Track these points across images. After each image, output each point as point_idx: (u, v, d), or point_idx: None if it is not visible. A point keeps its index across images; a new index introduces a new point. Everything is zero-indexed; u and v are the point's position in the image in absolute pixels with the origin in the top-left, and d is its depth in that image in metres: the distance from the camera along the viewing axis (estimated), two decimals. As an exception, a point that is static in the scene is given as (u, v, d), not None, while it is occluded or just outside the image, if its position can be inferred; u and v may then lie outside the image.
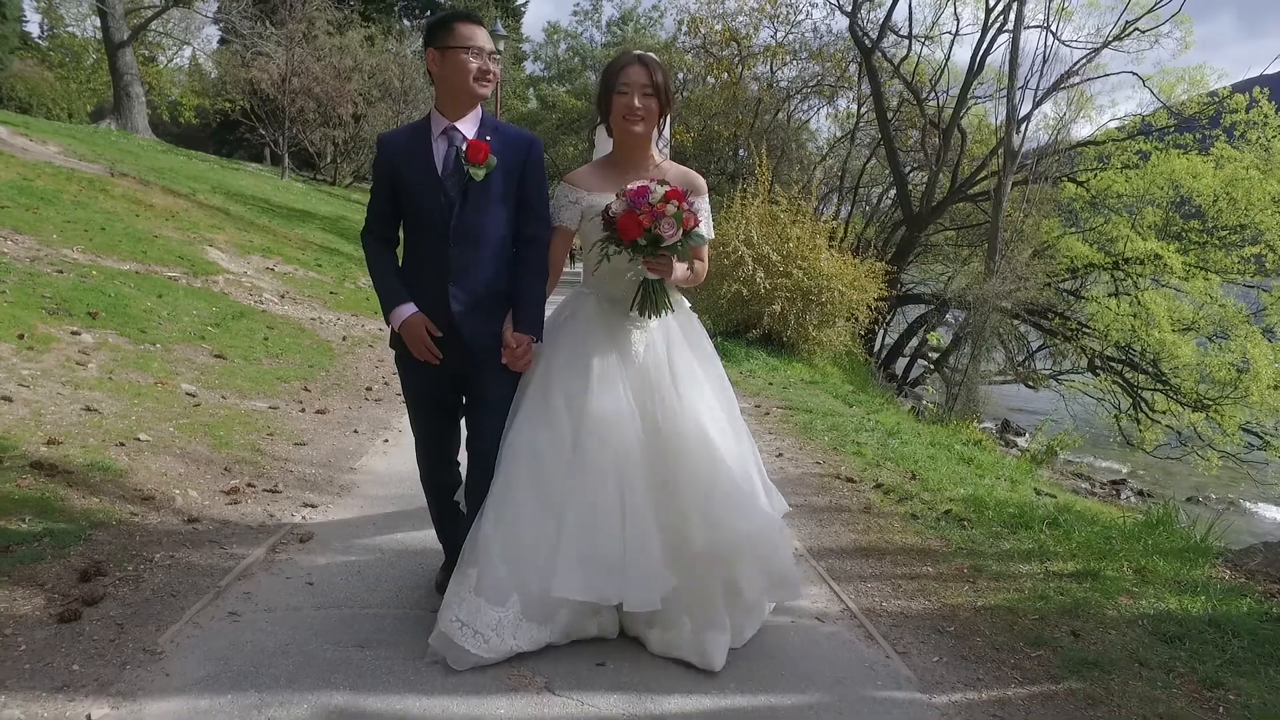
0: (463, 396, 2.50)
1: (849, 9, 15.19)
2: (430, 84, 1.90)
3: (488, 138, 2.32)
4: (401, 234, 2.46)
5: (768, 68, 18.23)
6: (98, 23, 25.10)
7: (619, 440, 2.30)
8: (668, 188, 2.30)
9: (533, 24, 58.38)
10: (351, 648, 2.33)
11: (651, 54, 2.49)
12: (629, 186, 2.30)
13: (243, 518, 3.23)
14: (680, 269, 2.44)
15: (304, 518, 3.32)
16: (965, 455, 5.46)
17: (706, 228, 2.44)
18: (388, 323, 2.40)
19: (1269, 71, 14.54)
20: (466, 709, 2.08)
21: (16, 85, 25.69)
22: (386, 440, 4.53)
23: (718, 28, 18.09)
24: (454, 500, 2.59)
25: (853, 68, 17.42)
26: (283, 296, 7.88)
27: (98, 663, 2.13)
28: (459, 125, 2.32)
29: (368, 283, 10.19)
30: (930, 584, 3.07)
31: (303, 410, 4.85)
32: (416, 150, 2.33)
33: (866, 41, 15.18)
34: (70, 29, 33.57)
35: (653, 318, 2.41)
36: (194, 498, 3.32)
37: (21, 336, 4.62)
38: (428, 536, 2.88)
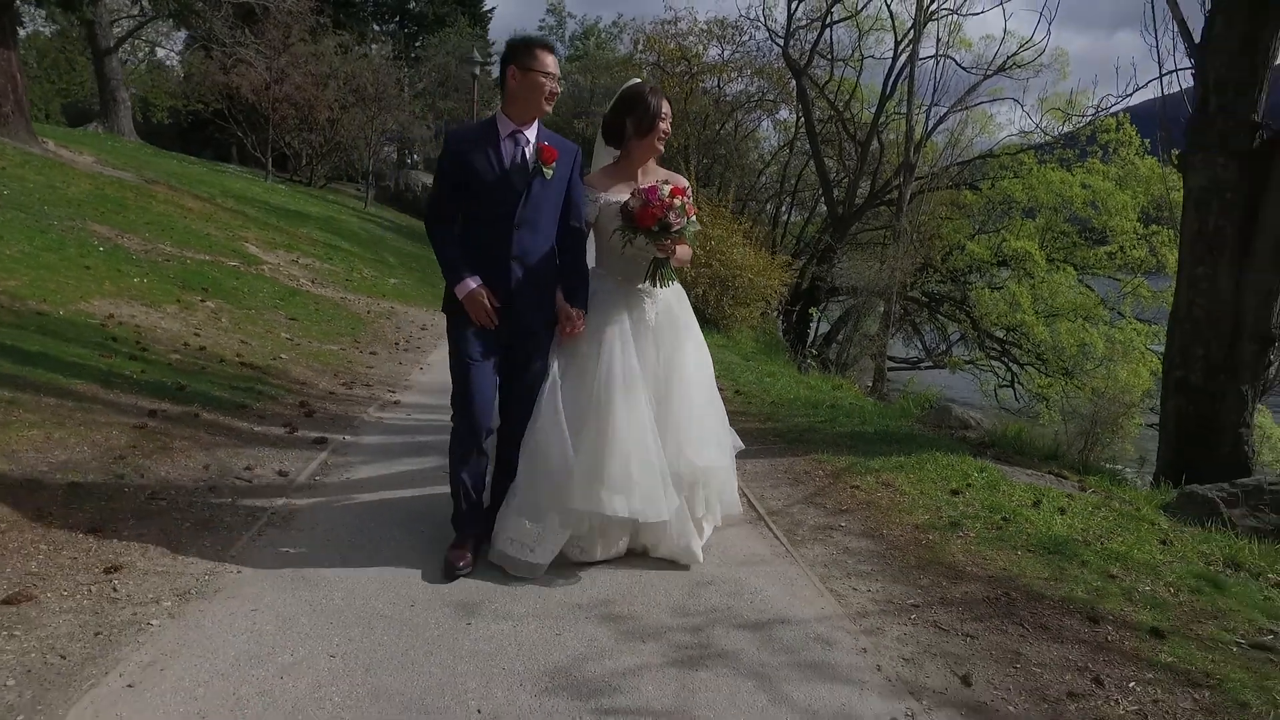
0: (506, 361, 3.16)
1: (782, 36, 18.26)
2: (502, 91, 3.07)
3: (545, 143, 3.04)
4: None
5: (716, 83, 21.24)
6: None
7: (635, 385, 3.11)
8: (673, 184, 3.10)
9: (500, 29, 61.37)
10: (429, 436, 5.20)
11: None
12: (641, 186, 3.10)
13: (357, 394, 6.06)
14: (681, 250, 3.26)
15: (389, 394, 6.16)
16: (811, 384, 8.46)
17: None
18: (452, 292, 3.07)
19: (1134, 103, 17.90)
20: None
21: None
22: (421, 369, 7.36)
23: (671, 46, 21.01)
24: (483, 473, 3.23)
25: (793, 83, 20.52)
26: (314, 281, 10.63)
27: (319, 437, 4.96)
28: (525, 131, 3.03)
29: (373, 273, 12.97)
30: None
31: (360, 352, 7.65)
32: (486, 147, 3.00)
33: (798, 65, 18.26)
34: (41, 29, 35.38)
35: (661, 287, 3.27)
36: (327, 384, 6.14)
37: (178, 302, 7.37)
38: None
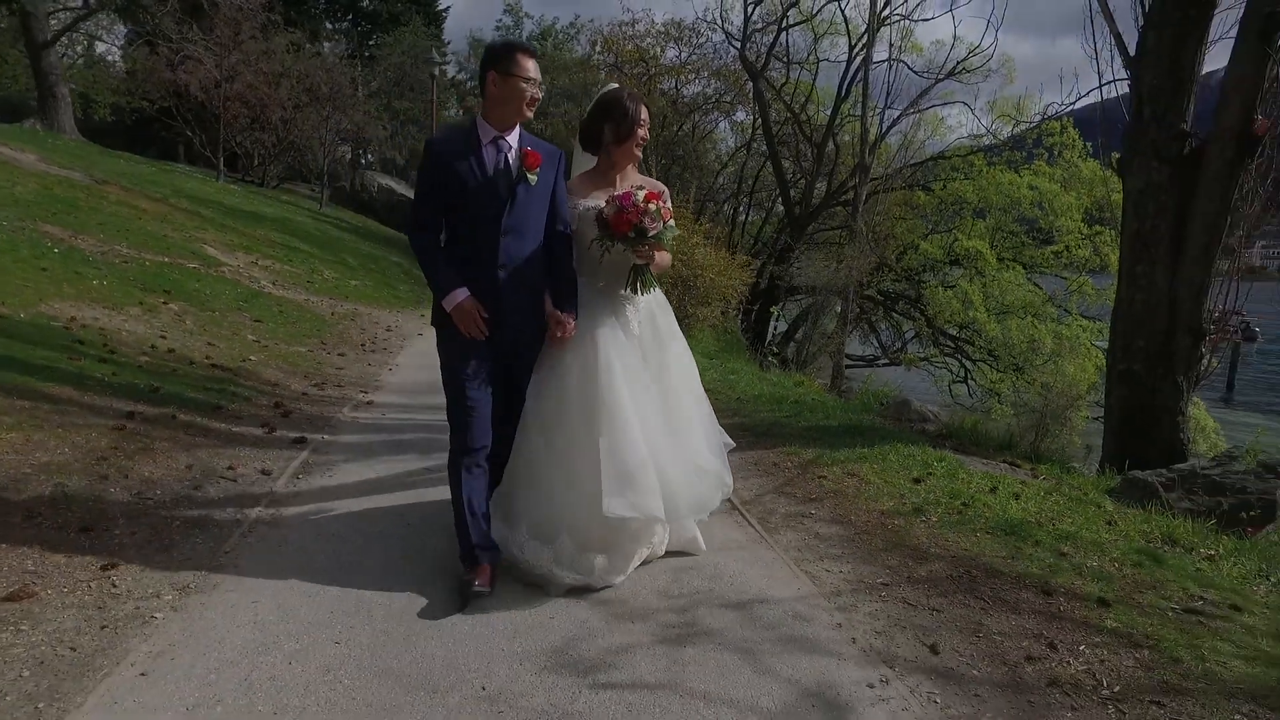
0: (502, 370, 3.10)
1: (739, 40, 18.55)
2: (478, 96, 3.09)
3: (528, 148, 3.00)
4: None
5: (674, 84, 21.46)
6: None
7: (640, 382, 3.15)
8: (647, 191, 3.08)
9: (455, 29, 61.00)
10: (407, 435, 5.28)
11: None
12: (616, 193, 3.10)
13: (330, 394, 6.10)
14: (660, 257, 3.25)
15: (361, 394, 6.21)
16: (774, 381, 8.70)
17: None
18: (440, 305, 2.98)
19: (1076, 108, 18.58)
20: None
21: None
22: (390, 369, 7.42)
23: (629, 47, 21.18)
24: (484, 487, 3.11)
25: (750, 85, 20.85)
26: (275, 283, 10.56)
27: (298, 437, 5.02)
28: (506, 137, 2.99)
29: (334, 275, 12.90)
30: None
31: (328, 353, 7.67)
32: (469, 155, 2.94)
33: (755, 68, 18.56)
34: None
35: (643, 293, 3.25)
36: (299, 385, 6.18)
37: (140, 304, 7.30)
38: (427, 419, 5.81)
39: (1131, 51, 6.30)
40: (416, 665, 2.50)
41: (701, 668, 2.56)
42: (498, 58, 2.95)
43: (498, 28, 33.39)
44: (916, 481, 4.60)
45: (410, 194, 28.03)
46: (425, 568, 3.20)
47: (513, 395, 3.17)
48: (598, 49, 21.79)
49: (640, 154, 3.35)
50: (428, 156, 3.01)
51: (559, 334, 3.10)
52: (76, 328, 6.07)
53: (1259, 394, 26.20)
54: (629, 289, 3.25)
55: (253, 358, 6.65)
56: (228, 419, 4.98)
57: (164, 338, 6.53)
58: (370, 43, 31.83)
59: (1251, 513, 4.79)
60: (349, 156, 29.67)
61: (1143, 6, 6.17)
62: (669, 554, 3.43)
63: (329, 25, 31.35)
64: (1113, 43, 6.49)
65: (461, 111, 30.01)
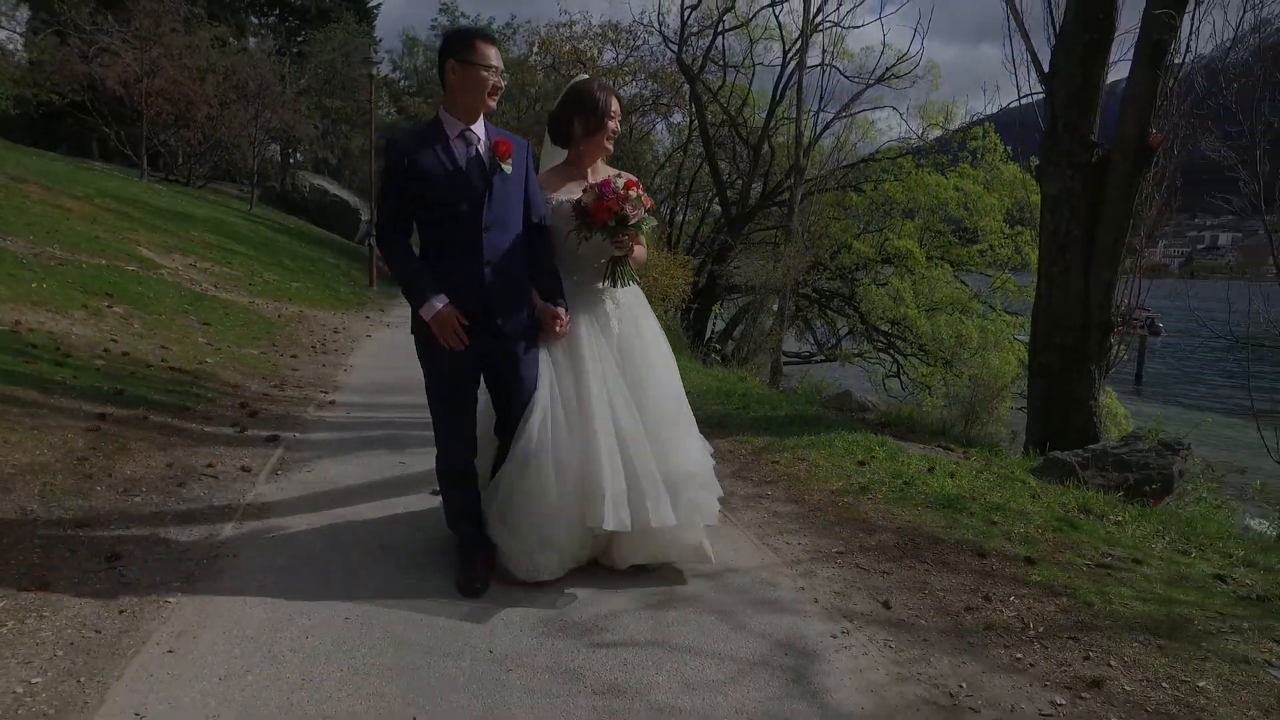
0: (485, 373, 3.03)
1: (676, 43, 18.99)
2: (443, 88, 2.85)
3: (496, 138, 2.89)
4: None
5: (611, 85, 21.77)
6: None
7: (616, 389, 3.08)
8: (626, 178, 3.02)
9: (387, 26, 59.73)
10: (375, 431, 5.47)
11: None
12: (592, 182, 3.04)
13: (291, 395, 6.21)
14: (637, 250, 3.15)
15: (323, 394, 6.34)
16: (718, 377, 9.11)
17: None
18: (418, 312, 2.89)
19: (1008, 104, 19.56)
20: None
21: None
22: (345, 370, 7.53)
23: (566, 48, 21.41)
24: (475, 488, 3.14)
25: (686, 87, 21.32)
26: (217, 286, 10.47)
27: (270, 435, 5.16)
28: (473, 128, 2.88)
29: (274, 277, 12.79)
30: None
31: (281, 355, 7.73)
32: (437, 151, 2.83)
33: (692, 71, 19.03)
34: None
35: (621, 286, 3.18)
36: (258, 386, 6.27)
37: (84, 307, 7.23)
38: (392, 417, 5.98)
39: (1045, 68, 6.90)
40: (426, 634, 2.74)
41: (684, 627, 2.87)
42: (457, 45, 2.84)
43: (433, 26, 33.15)
44: (861, 464, 5.02)
45: (344, 195, 27.71)
46: (419, 552, 3.43)
47: (506, 400, 3.08)
48: (535, 50, 21.97)
49: (611, 147, 3.28)
50: (393, 158, 2.89)
51: (556, 328, 3.04)
52: (25, 331, 6.03)
53: (1164, 385, 27.99)
54: (606, 282, 3.20)
55: (208, 360, 6.69)
56: (198, 419, 5.07)
57: (115, 341, 6.51)
58: (299, 39, 31.21)
59: (1153, 485, 5.39)
60: (278, 156, 29.06)
61: (1054, 27, 6.78)
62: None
63: (255, 20, 30.60)
64: (1029, 60, 7.08)
65: (395, 111, 29.68)
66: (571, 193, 3.14)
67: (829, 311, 19.50)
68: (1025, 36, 7.20)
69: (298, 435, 5.09)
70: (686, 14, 18.64)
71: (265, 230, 18.91)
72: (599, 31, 21.16)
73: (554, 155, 3.38)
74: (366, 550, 3.42)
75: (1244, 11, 6.64)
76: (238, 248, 14.41)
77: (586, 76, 3.41)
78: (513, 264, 2.99)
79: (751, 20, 19.20)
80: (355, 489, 4.21)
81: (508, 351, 3.02)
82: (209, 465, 4.29)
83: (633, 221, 3.01)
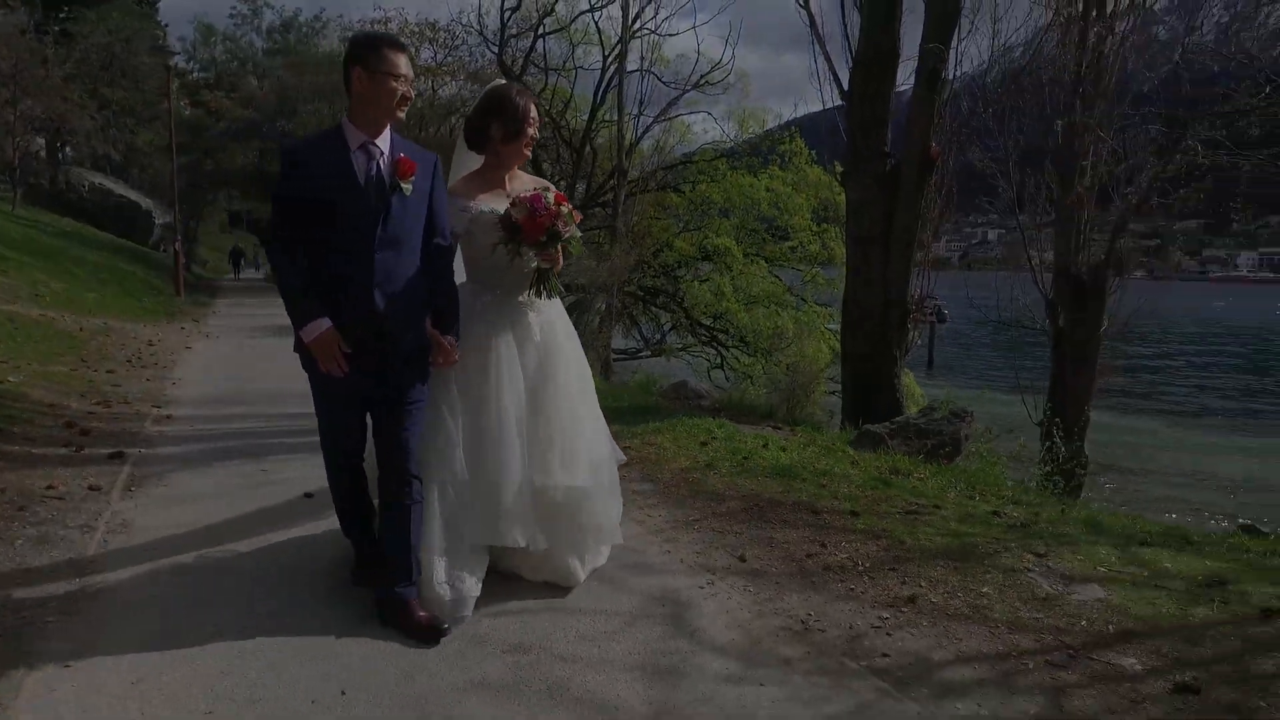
0: (376, 394, 2.85)
1: (496, 44, 19.09)
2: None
3: (401, 154, 2.75)
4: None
5: (430, 85, 21.48)
6: None
7: (516, 416, 3.02)
8: (555, 192, 2.98)
9: (173, 10, 54.06)
10: (228, 442, 5.38)
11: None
12: (522, 196, 2.95)
13: (121, 411, 5.92)
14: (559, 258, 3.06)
15: (156, 409, 6.08)
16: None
17: None
18: (298, 333, 2.73)
19: (811, 110, 21.27)
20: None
21: None
22: (174, 384, 7.20)
23: (380, 45, 20.83)
24: (366, 496, 3.10)
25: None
26: (-3, 298, 9.49)
27: (114, 452, 4.96)
28: (377, 141, 2.74)
29: (63, 286, 11.69)
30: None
31: (95, 371, 7.25)
32: (335, 163, 2.70)
33: (514, 72, 19.21)
34: None
35: (547, 298, 3.15)
36: (79, 404, 5.91)
37: None
38: (242, 427, 5.88)
39: (845, 85, 7.85)
40: (330, 621, 2.91)
41: (574, 592, 3.22)
42: (363, 52, 2.70)
43: (232, 15, 30.85)
44: (704, 444, 5.59)
45: (133, 196, 25.38)
46: (302, 557, 3.55)
47: (389, 428, 2.89)
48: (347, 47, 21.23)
49: (530, 153, 3.22)
50: (287, 166, 2.77)
51: (440, 361, 2.91)
52: None
53: (951, 367, 31.49)
54: (531, 294, 3.13)
55: (11, 379, 6.19)
56: (19, 441, 4.78)
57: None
58: (61, 16, 28.04)
59: (946, 449, 6.37)
60: (44, 150, 26.02)
61: (850, 50, 7.74)
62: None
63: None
64: (831, 78, 8.02)
65: (189, 105, 27.39)
66: (492, 202, 3.06)
67: (653, 308, 20.41)
68: (828, 59, 8.17)
69: (143, 451, 4.92)
70: (507, 16, 18.79)
71: (37, 234, 17.02)
72: (416, 30, 20.86)
73: (467, 161, 3.26)
74: (246, 547, 3.49)
75: (993, 38, 7.94)
76: (9, 253, 12.98)
77: (503, 81, 3.33)
78: (407, 288, 2.82)
79: (572, 24, 19.67)
80: (219, 499, 4.20)
81: (398, 375, 2.85)
82: (49, 486, 4.11)
83: (565, 236, 2.97)
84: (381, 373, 2.81)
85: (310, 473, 4.56)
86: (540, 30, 19.17)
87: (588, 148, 19.77)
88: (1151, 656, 2.73)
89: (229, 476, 4.58)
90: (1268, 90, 4.51)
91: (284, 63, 25.25)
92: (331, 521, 3.41)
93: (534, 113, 3.13)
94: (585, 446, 3.23)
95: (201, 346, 9.76)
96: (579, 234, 3.05)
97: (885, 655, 2.75)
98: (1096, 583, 3.34)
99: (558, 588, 3.22)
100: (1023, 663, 2.71)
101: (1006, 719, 2.39)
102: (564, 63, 20.18)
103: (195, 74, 29.72)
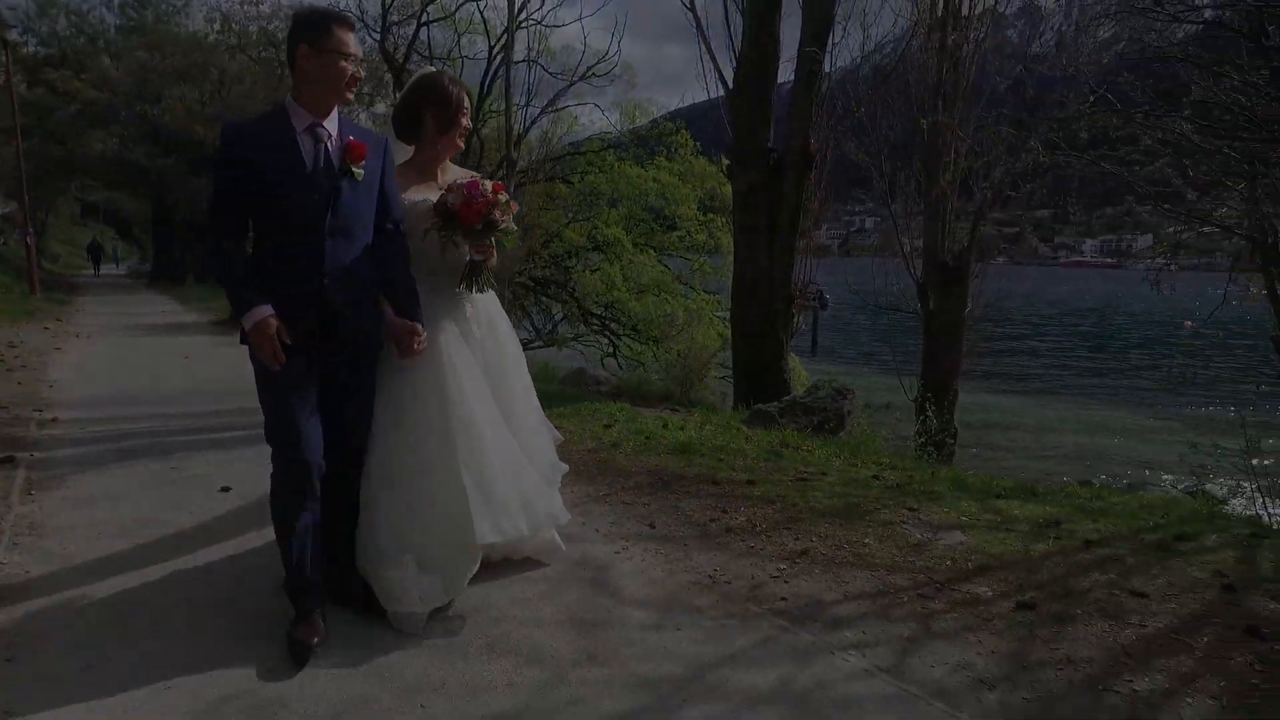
0: (329, 388, 2.76)
1: (378, 31, 18.70)
2: (292, 75, 2.58)
3: (350, 137, 2.65)
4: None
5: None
6: None
7: (477, 407, 2.98)
8: (493, 181, 2.97)
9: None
10: (128, 442, 5.29)
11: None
12: (458, 181, 2.92)
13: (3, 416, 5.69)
14: (493, 256, 3.06)
15: (37, 413, 5.87)
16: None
17: None
18: (239, 321, 2.60)
19: (696, 101, 21.86)
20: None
21: None
22: (51, 385, 6.91)
23: (253, 29, 20.06)
24: (319, 530, 2.74)
25: (389, 77, 21.01)
26: None
27: (3, 457, 4.82)
28: (325, 124, 2.62)
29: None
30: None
31: (-42, 375, 6.86)
32: (280, 146, 2.57)
33: (397, 60, 18.86)
34: None
35: (479, 292, 3.14)
36: (-48, 411, 5.64)
37: None
38: (138, 427, 5.76)
39: (729, 82, 8.31)
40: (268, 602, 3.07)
41: (500, 565, 3.47)
42: (309, 29, 2.58)
43: (78, -14, 28.47)
44: (607, 427, 5.92)
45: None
46: (211, 543, 3.65)
47: (339, 422, 2.80)
48: (216, 27, 20.27)
49: (463, 144, 3.17)
50: (227, 148, 2.61)
51: (415, 346, 2.82)
52: None
53: (832, 350, 33.10)
54: (464, 287, 3.11)
55: None
56: (-107, 449, 4.58)
57: None
58: None
59: (831, 423, 6.94)
60: None
61: (734, 49, 8.21)
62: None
63: None
64: (716, 75, 8.47)
65: (27, 85, 25.18)
66: (425, 194, 3.02)
67: (544, 299, 20.57)
68: (713, 58, 8.60)
69: (35, 454, 4.81)
70: (388, 1, 18.42)
71: None
72: (290, 12, 20.08)
73: (399, 152, 3.11)
74: (157, 548, 3.56)
75: (864, 40, 8.63)
76: None
77: (434, 70, 3.25)
78: (358, 275, 2.73)
79: (456, 12, 19.48)
80: (126, 497, 4.20)
81: (349, 367, 2.79)
82: (-63, 494, 4.01)
83: (500, 226, 2.95)
84: (331, 360, 2.73)
85: (221, 469, 4.62)
86: (423, 18, 18.90)
87: (474, 138, 19.67)
88: (1000, 584, 3.26)
89: (134, 475, 4.55)
90: (1092, 100, 5.21)
91: (140, 41, 23.74)
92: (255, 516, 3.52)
93: (466, 102, 3.11)
94: (544, 431, 3.54)
95: (73, 347, 9.25)
96: (514, 227, 3.05)
97: (783, 599, 3.16)
98: (959, 529, 3.88)
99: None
100: (899, 598, 3.17)
101: (885, 641, 2.83)
102: (449, 52, 19.97)
103: (33, 48, 27.29)
